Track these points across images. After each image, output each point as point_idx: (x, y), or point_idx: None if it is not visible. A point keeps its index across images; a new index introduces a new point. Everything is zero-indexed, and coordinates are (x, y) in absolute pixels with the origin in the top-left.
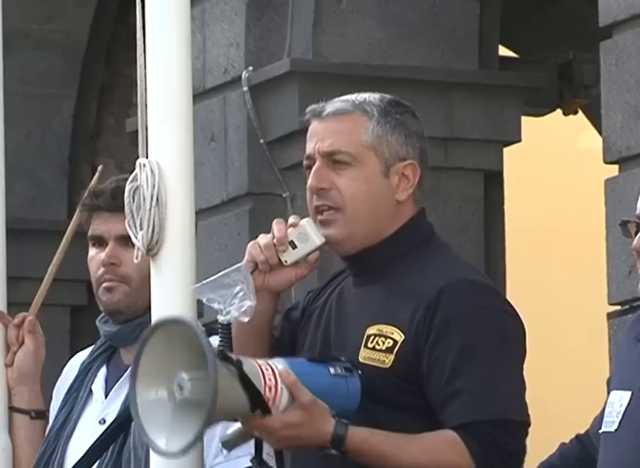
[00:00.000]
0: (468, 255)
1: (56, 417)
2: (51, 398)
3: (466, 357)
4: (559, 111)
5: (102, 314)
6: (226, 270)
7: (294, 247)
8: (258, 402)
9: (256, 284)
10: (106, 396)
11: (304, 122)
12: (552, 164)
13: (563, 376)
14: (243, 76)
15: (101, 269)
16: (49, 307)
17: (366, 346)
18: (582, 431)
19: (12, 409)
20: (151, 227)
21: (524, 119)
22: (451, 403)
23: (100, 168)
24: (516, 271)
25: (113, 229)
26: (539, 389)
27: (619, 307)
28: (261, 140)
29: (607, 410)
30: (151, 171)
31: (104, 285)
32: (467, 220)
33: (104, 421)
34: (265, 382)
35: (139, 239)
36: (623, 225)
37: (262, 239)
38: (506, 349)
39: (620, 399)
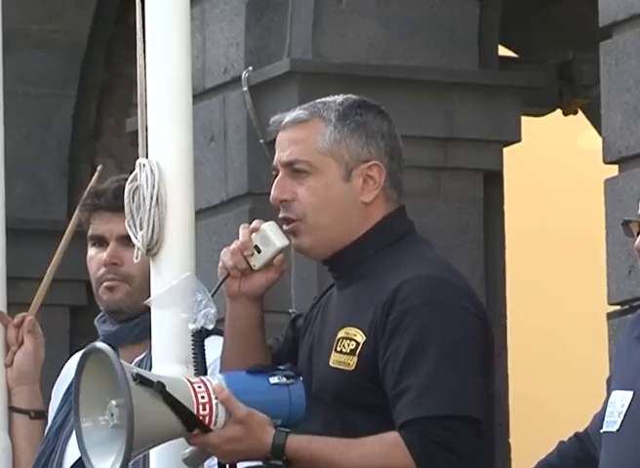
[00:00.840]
0: (468, 256)
1: (55, 417)
2: (50, 398)
3: (415, 354)
4: (559, 111)
5: (101, 314)
6: (176, 281)
7: (259, 251)
8: (191, 421)
9: (231, 290)
10: None
11: (274, 133)
12: (552, 164)
13: (563, 376)
14: (243, 76)
15: (102, 269)
16: (48, 307)
17: (335, 350)
18: (581, 430)
19: (11, 409)
20: (151, 227)
21: (524, 119)
22: (397, 401)
23: (99, 168)
24: (516, 271)
25: (115, 229)
26: (538, 388)
27: (618, 307)
28: (261, 140)
29: (608, 410)
30: (151, 171)
31: (105, 284)
32: (467, 220)
33: None
34: (198, 400)
35: (138, 239)
36: (625, 225)
37: (232, 245)
38: (459, 346)
39: (622, 399)
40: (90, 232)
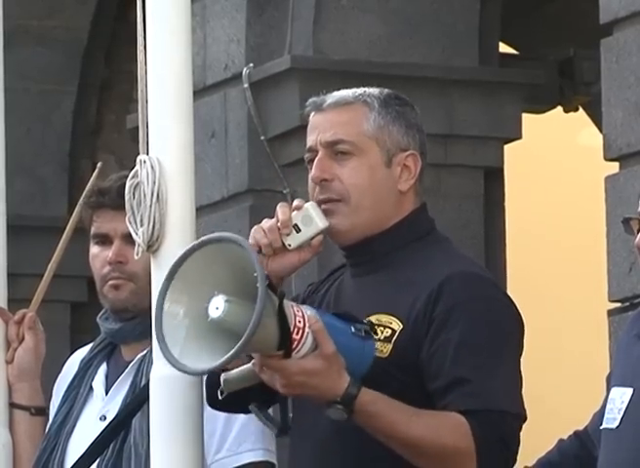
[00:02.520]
0: (469, 252)
1: (56, 414)
2: (51, 394)
3: (468, 347)
4: (559, 108)
5: (104, 311)
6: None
7: (297, 230)
8: (285, 341)
9: None
10: (107, 392)
11: (305, 115)
12: (553, 161)
13: (563, 373)
14: (244, 73)
15: (107, 267)
16: (49, 304)
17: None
18: (581, 427)
19: (12, 406)
20: (152, 224)
21: (524, 116)
22: (452, 390)
23: (99, 165)
24: (517, 268)
25: (119, 227)
26: (539, 385)
27: (619, 304)
28: (262, 137)
29: (608, 407)
30: (152, 167)
31: (111, 282)
32: (468, 217)
33: (105, 418)
34: (295, 323)
35: (139, 235)
36: (626, 222)
37: (266, 223)
38: (506, 341)
39: (622, 395)
40: (93, 230)
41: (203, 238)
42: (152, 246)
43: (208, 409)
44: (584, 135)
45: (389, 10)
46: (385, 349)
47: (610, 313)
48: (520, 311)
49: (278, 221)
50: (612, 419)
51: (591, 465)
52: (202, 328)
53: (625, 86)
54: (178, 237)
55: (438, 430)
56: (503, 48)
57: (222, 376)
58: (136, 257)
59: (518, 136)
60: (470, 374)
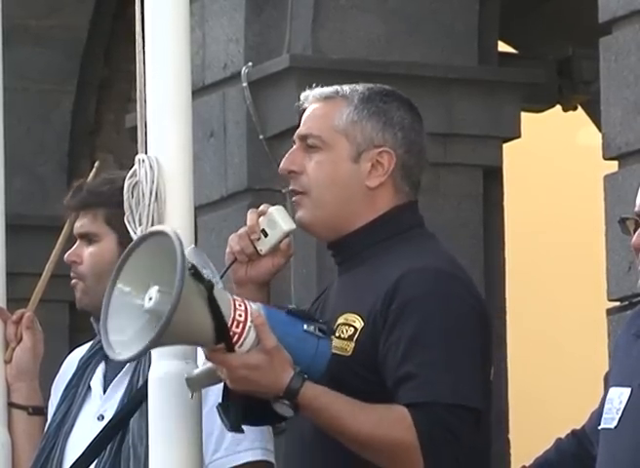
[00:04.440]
0: (468, 251)
1: (55, 414)
2: (49, 394)
3: (418, 342)
4: (558, 107)
5: None
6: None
7: (265, 235)
8: (222, 333)
9: (239, 276)
10: (104, 392)
11: (301, 108)
12: (552, 160)
13: (562, 372)
14: (242, 72)
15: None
16: (47, 303)
17: (334, 335)
18: (579, 426)
19: (10, 405)
20: (150, 223)
21: (523, 115)
22: (401, 385)
23: (96, 164)
24: (515, 267)
25: (77, 227)
26: (537, 384)
27: (618, 303)
28: (261, 136)
29: (606, 407)
30: (150, 166)
31: (71, 282)
32: (467, 216)
33: (103, 417)
34: (235, 317)
35: (137, 234)
36: (622, 222)
37: (240, 230)
38: (461, 337)
39: (620, 395)
40: None
41: (143, 233)
42: None
43: (206, 409)
44: (583, 133)
45: (388, 9)
46: (349, 347)
47: (609, 312)
48: (486, 309)
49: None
50: (610, 419)
51: (589, 464)
52: (141, 318)
53: (624, 85)
54: None
55: (381, 424)
56: (502, 47)
57: (185, 376)
58: None
59: (517, 136)
60: (418, 369)
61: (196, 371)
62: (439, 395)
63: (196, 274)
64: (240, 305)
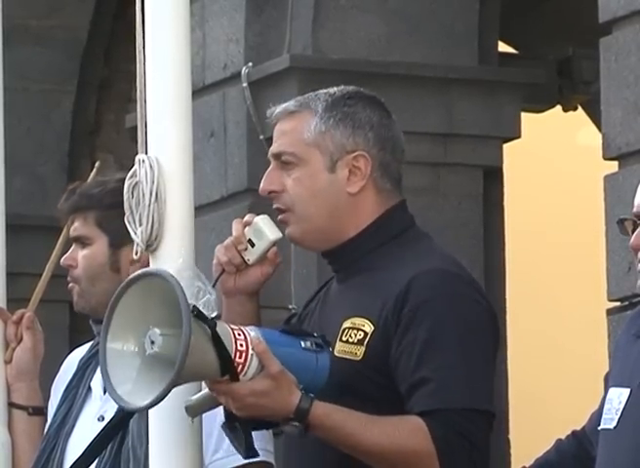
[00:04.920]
0: (468, 252)
1: (55, 414)
2: (49, 394)
3: (432, 345)
4: (559, 107)
5: None
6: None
7: (252, 245)
8: (227, 366)
9: (227, 287)
10: (105, 392)
11: (271, 125)
12: (552, 160)
13: (562, 372)
14: (242, 72)
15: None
16: (48, 303)
17: (341, 340)
18: (579, 427)
19: (10, 406)
20: (150, 223)
21: (523, 115)
22: (416, 391)
23: (96, 164)
24: (515, 267)
25: (71, 231)
26: (537, 385)
27: (618, 303)
28: (261, 136)
29: (606, 407)
30: (150, 166)
31: (68, 286)
32: (467, 217)
33: (103, 418)
34: (237, 347)
35: (138, 235)
36: (621, 223)
37: (226, 241)
38: (474, 338)
39: (619, 396)
40: None
41: (132, 275)
42: (151, 245)
43: None
44: (583, 134)
45: (388, 9)
46: (359, 351)
47: (609, 312)
48: (493, 308)
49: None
50: (609, 420)
51: (589, 465)
52: (145, 362)
53: (624, 85)
54: (176, 237)
55: (396, 436)
56: (503, 47)
57: (184, 403)
58: (135, 257)
59: (517, 136)
60: (432, 374)
61: (194, 398)
62: (453, 400)
63: (199, 314)
64: (240, 335)
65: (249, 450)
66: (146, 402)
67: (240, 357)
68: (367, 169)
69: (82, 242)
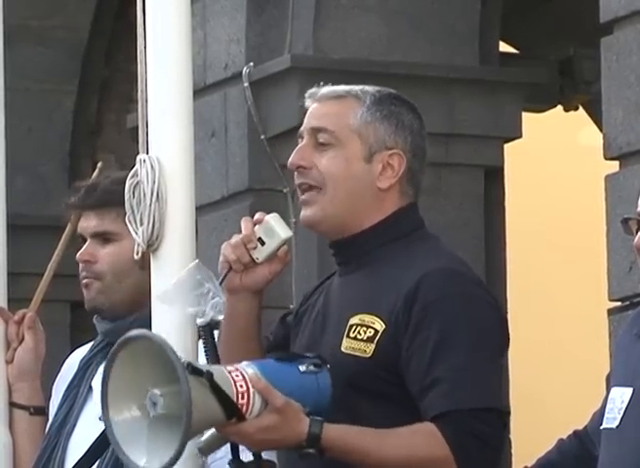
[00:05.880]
0: (469, 251)
1: (56, 414)
2: (50, 394)
3: (444, 346)
4: (560, 107)
5: None
6: (183, 273)
7: (262, 243)
8: (232, 410)
9: (233, 284)
10: None
11: (305, 106)
12: (553, 160)
13: (563, 372)
14: (244, 72)
15: (80, 266)
16: (49, 303)
17: (348, 336)
18: (581, 427)
19: (12, 405)
20: (151, 223)
21: (524, 115)
22: (428, 392)
23: (99, 164)
24: (517, 267)
25: (89, 226)
26: (538, 385)
27: (619, 303)
28: (262, 136)
29: (608, 407)
30: (151, 166)
31: (82, 282)
32: (468, 216)
33: None
34: (237, 390)
35: (139, 234)
36: (625, 223)
37: (233, 239)
38: (484, 337)
39: (622, 395)
40: None
41: (118, 342)
42: (152, 245)
43: None
44: (585, 133)
45: (390, 9)
46: (369, 349)
47: (610, 312)
48: (499, 303)
49: (243, 236)
50: (612, 419)
51: (591, 465)
52: (152, 425)
53: (625, 85)
54: (178, 236)
55: (410, 446)
56: (504, 47)
57: (196, 445)
58: (135, 257)
59: (518, 136)
60: (444, 374)
61: (205, 438)
62: (465, 401)
63: (194, 370)
64: (237, 376)
65: None
66: (163, 463)
67: (242, 398)
68: (400, 168)
69: (106, 238)
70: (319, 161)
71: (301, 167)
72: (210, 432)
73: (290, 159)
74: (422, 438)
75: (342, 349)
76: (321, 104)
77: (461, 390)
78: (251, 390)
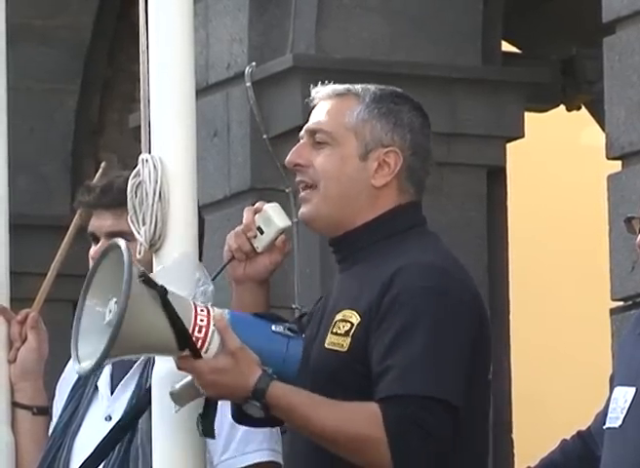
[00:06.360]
0: (471, 251)
1: (61, 414)
2: (54, 394)
3: (403, 335)
4: (562, 107)
5: None
6: (176, 255)
7: (261, 232)
8: (184, 339)
9: (237, 274)
10: (112, 392)
11: (310, 104)
12: (555, 160)
13: (565, 372)
14: (246, 71)
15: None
16: (52, 303)
17: (331, 332)
18: (584, 427)
19: (14, 405)
20: (154, 222)
21: (527, 115)
22: (380, 378)
23: (103, 164)
24: (519, 267)
25: (104, 226)
26: (541, 385)
27: (622, 303)
28: (264, 136)
29: (611, 406)
30: (154, 166)
31: None
32: (470, 216)
33: (110, 418)
34: (197, 322)
35: (141, 234)
36: (628, 222)
37: (237, 228)
38: (448, 332)
39: (625, 395)
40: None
41: (105, 246)
42: (154, 245)
43: None
44: (587, 133)
45: (392, 8)
46: (345, 343)
47: (612, 312)
48: (482, 308)
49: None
50: (615, 419)
51: (594, 466)
52: (104, 331)
53: (628, 84)
54: (180, 236)
55: (349, 420)
56: (506, 47)
57: (170, 391)
58: (137, 257)
59: (521, 135)
60: (397, 362)
61: (178, 385)
62: (412, 387)
63: (147, 280)
64: (202, 310)
65: (206, 431)
66: (86, 363)
67: (200, 332)
68: (396, 166)
69: (123, 238)
70: (315, 159)
71: (299, 165)
72: (183, 381)
73: (287, 157)
74: (363, 415)
75: (326, 345)
76: (322, 103)
77: (412, 377)
78: (211, 328)
